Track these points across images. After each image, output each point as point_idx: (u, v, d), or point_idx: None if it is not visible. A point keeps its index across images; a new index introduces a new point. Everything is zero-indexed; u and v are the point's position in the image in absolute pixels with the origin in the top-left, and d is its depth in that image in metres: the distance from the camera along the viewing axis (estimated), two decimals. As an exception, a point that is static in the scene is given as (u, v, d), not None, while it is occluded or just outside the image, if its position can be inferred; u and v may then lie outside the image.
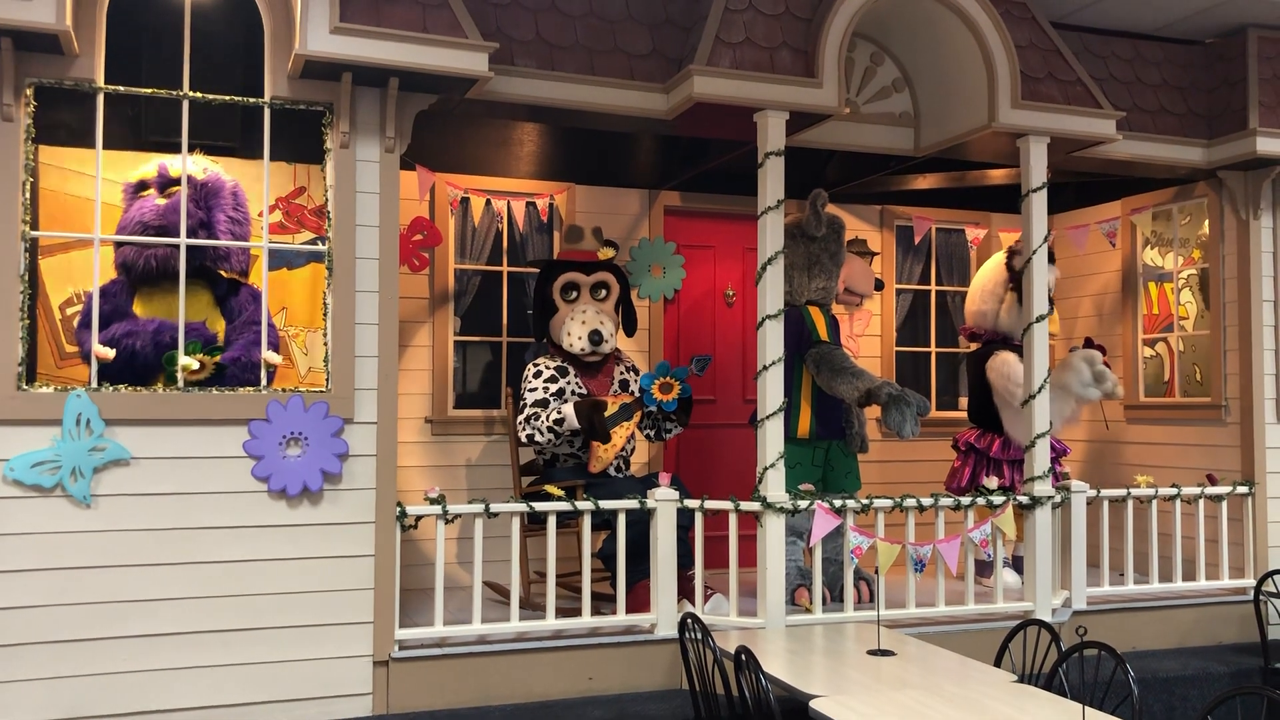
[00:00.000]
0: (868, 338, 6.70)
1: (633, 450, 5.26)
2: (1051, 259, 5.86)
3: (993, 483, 4.94)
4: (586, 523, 4.42)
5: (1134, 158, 5.49)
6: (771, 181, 4.52)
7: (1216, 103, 5.60)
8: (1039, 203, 4.97)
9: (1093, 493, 5.12)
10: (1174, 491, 5.28)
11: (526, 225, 5.96)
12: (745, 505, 4.50)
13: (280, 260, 4.17)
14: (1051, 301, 5.75)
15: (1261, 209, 5.62)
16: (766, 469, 4.47)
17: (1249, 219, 5.63)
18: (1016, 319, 5.75)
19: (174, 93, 3.94)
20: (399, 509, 4.13)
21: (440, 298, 5.76)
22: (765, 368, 4.50)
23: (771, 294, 4.52)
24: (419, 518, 4.20)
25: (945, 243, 6.96)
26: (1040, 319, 4.93)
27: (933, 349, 6.89)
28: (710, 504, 4.55)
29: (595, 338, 5.00)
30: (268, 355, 4.09)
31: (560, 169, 5.92)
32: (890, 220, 6.77)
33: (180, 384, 3.94)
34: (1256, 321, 5.55)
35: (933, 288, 6.84)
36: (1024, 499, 4.87)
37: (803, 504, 4.53)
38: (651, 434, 5.27)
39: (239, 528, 3.94)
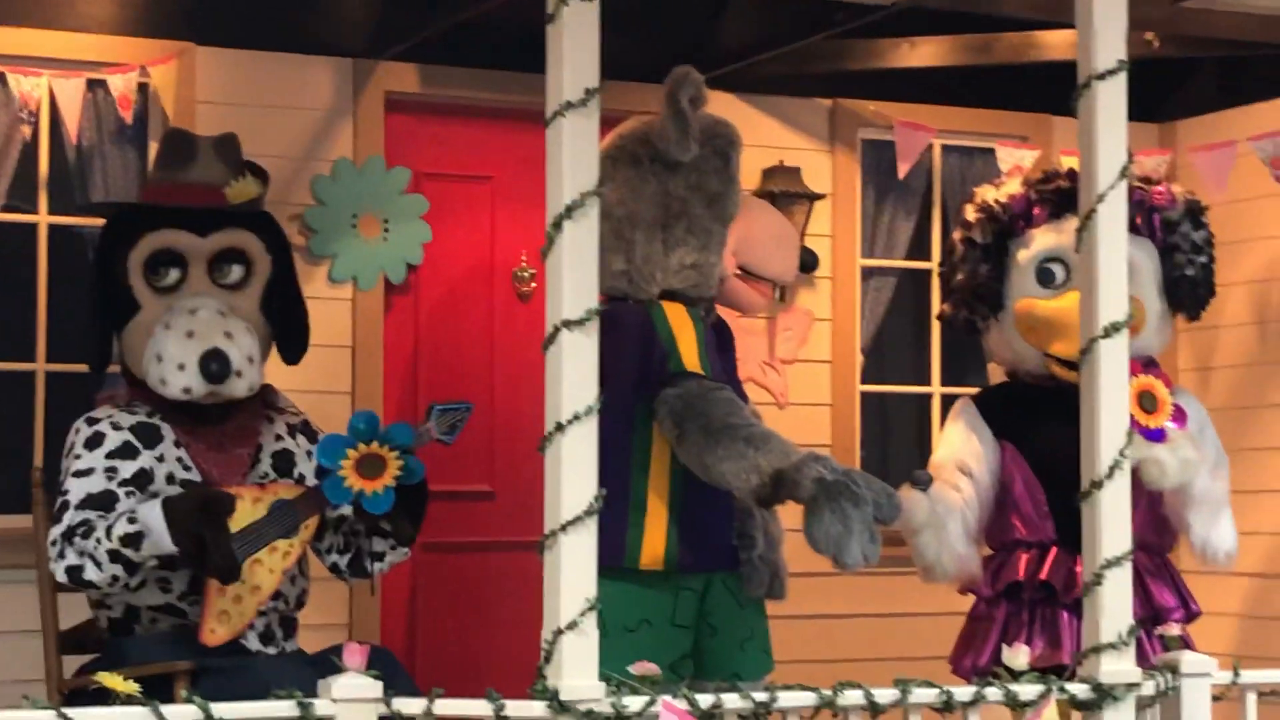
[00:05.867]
0: (805, 366, 6.85)
1: (301, 598, 5.27)
2: (1193, 220, 6.13)
3: (1019, 656, 5.12)
4: (189, 750, 4.41)
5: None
6: (573, 47, 4.63)
7: None
8: (1110, 100, 5.18)
9: (1225, 675, 5.35)
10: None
11: (90, 128, 5.99)
12: (516, 709, 4.57)
13: None
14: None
15: None
16: (559, 634, 4.56)
17: None
18: (1001, 338, 6.15)
19: None
20: None
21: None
22: (560, 427, 4.59)
23: (575, 276, 4.61)
24: None
25: (960, 173, 7.16)
26: (1112, 330, 5.14)
27: (935, 388, 7.09)
28: (447, 706, 4.61)
29: (215, 366, 5.02)
30: None
31: (165, 14, 5.96)
32: (849, 128, 6.96)
33: None
34: None
35: (936, 265, 6.96)
36: (1079, 690, 5.06)
37: (634, 703, 4.62)
38: (343, 563, 5.30)
39: None
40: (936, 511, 5.91)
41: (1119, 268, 5.18)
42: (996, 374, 6.78)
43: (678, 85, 5.25)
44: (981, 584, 6.06)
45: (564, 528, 4.57)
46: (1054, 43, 6.41)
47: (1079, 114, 5.21)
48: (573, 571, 4.57)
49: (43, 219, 5.99)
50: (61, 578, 4.95)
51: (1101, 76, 5.16)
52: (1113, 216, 5.16)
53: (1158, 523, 6.03)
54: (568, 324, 4.60)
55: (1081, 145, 5.21)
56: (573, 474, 4.58)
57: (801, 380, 6.90)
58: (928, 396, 7.20)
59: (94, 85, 5.96)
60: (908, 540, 5.92)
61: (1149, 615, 5.91)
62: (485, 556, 6.47)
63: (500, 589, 6.47)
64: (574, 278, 4.61)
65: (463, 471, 6.46)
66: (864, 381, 7.07)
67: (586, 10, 4.64)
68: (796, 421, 6.79)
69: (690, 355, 5.21)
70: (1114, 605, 5.08)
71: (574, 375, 4.60)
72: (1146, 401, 5.76)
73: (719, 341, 5.42)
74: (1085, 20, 5.19)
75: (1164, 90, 7.45)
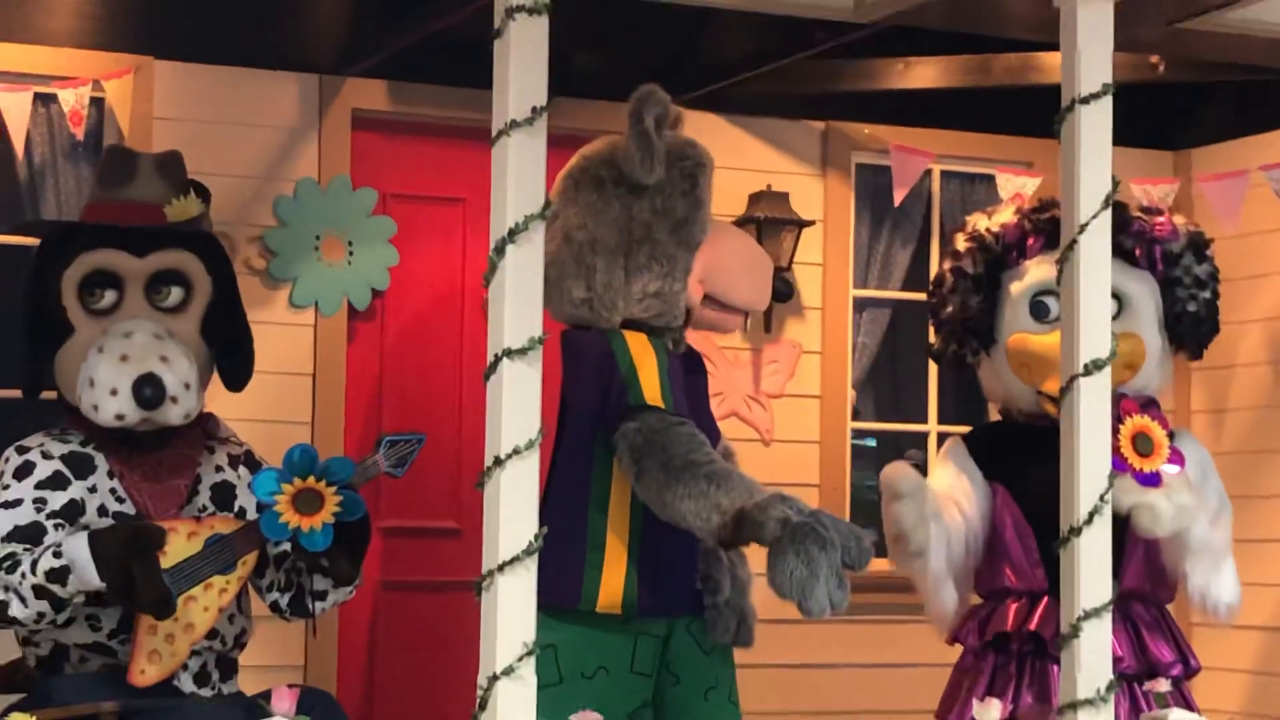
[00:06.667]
0: (792, 401, 6.85)
1: (241, 638, 5.26)
2: (1196, 252, 6.09)
3: (991, 711, 5.06)
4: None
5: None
6: (520, 63, 4.62)
7: None
8: (1094, 125, 5.14)
9: (1216, 733, 5.28)
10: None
11: (41, 144, 6.06)
12: (448, 759, 4.55)
13: None
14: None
15: None
16: (494, 680, 4.52)
17: None
18: (993, 374, 6.12)
19: None
20: None
21: None
22: (499, 461, 4.56)
23: (518, 302, 4.59)
24: None
25: (960, 200, 7.18)
26: (1093, 367, 5.08)
27: (932, 426, 7.06)
28: (379, 754, 4.59)
29: (148, 391, 5.00)
30: None
31: (121, 26, 6.03)
32: (842, 152, 6.98)
33: None
34: None
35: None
36: (1049, 750, 4.99)
37: (576, 755, 4.58)
38: (284, 601, 5.29)
39: None
40: (925, 489, 5.86)
41: (1101, 302, 5.13)
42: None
43: (641, 104, 5.24)
44: (968, 633, 6.00)
45: (501, 568, 4.55)
46: (1054, 65, 6.36)
47: (1061, 139, 5.19)
48: (510, 614, 4.55)
49: (-12, 240, 6.00)
50: (-14, 615, 4.97)
51: (1085, 100, 5.14)
52: (1095, 247, 5.12)
53: (1154, 572, 5.96)
54: (509, 353, 4.59)
55: (1064, 172, 5.19)
56: (512, 511, 4.57)
57: (789, 416, 6.88)
58: (924, 435, 7.17)
59: (44, 99, 6.00)
60: (886, 510, 5.86)
61: (1144, 669, 5.85)
62: (449, 596, 6.44)
63: (464, 631, 6.36)
64: (517, 305, 4.60)
65: (428, 507, 6.47)
66: (854, 420, 7.04)
67: (534, 24, 4.62)
68: (782, 460, 6.81)
69: (651, 388, 5.17)
70: (1092, 659, 5.01)
71: (515, 407, 4.59)
72: (1141, 444, 5.70)
73: (689, 373, 5.40)
74: (1069, 41, 5.17)
75: (1179, 116, 7.42)
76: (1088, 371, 5.08)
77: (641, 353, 5.23)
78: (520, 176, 4.61)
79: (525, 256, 4.60)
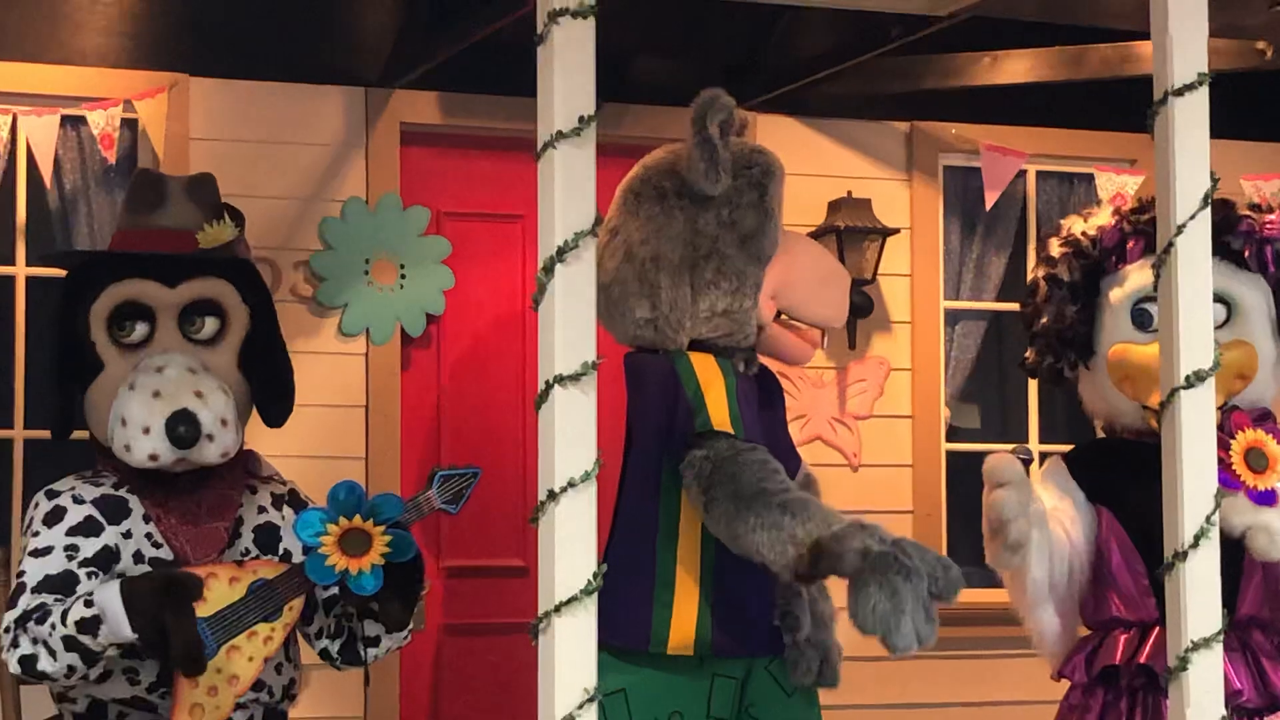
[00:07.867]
0: (882, 422, 6.82)
1: (290, 688, 5.25)
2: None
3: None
4: None
5: None
6: (565, 70, 4.57)
7: None
8: (1190, 118, 5.05)
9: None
10: None
11: (72, 170, 6.14)
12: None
13: None
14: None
15: None
16: (552, 731, 4.48)
17: None
18: (1093, 388, 5.99)
19: None
20: None
21: None
22: (553, 495, 4.51)
23: (569, 325, 4.54)
24: None
25: (1058, 201, 7.14)
26: (1195, 379, 4.99)
27: (1035, 445, 6.98)
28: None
29: (183, 429, 4.99)
30: None
31: (153, 43, 6.10)
32: (928, 154, 6.96)
33: None
34: None
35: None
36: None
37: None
38: (335, 648, 5.27)
39: None
40: (1030, 484, 5.72)
41: (1203, 308, 5.04)
42: (1107, 431, 6.69)
43: (705, 109, 5.21)
44: (1074, 667, 5.92)
45: (558, 608, 4.47)
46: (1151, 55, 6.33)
47: (1155, 135, 5.11)
48: (569, 658, 4.49)
49: (20, 270, 6.10)
50: (15, 669, 4.92)
51: (1179, 92, 5.04)
52: (1194, 250, 5.02)
53: (1274, 598, 5.85)
54: (561, 379, 4.51)
55: (1158, 170, 5.11)
56: (569, 547, 4.49)
57: (878, 438, 6.86)
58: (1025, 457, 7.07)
59: (72, 122, 6.08)
60: (986, 499, 5.70)
61: (1267, 704, 5.75)
62: (517, 639, 6.36)
63: (534, 675, 6.40)
64: (568, 327, 4.54)
65: (492, 544, 6.49)
66: (948, 440, 6.98)
67: (580, 28, 4.57)
68: (872, 485, 6.80)
69: (720, 412, 5.14)
70: (1203, 694, 4.92)
71: (569, 436, 4.51)
72: (1255, 460, 5.61)
73: (763, 395, 5.37)
74: (1160, 28, 5.09)
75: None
76: (1189, 384, 4.98)
77: (709, 375, 5.20)
78: (568, 191, 4.56)
79: (575, 276, 4.54)
